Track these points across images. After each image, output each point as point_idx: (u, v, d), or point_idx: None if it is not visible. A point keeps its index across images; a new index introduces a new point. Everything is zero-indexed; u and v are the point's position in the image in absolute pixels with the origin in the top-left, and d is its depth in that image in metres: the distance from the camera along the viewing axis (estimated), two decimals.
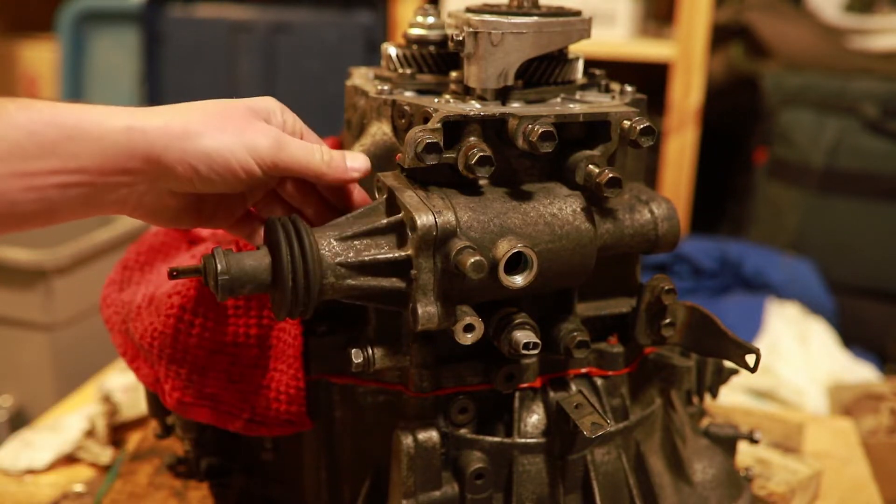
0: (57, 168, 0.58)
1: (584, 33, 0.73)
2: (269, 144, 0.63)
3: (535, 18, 0.70)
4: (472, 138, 0.67)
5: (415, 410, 0.71)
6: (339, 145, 0.86)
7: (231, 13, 2.34)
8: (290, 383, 0.73)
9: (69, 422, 1.05)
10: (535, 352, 0.67)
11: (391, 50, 0.79)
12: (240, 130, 0.63)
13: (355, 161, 0.68)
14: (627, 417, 0.76)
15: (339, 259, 0.63)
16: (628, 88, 0.79)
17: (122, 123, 0.59)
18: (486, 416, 0.73)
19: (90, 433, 1.03)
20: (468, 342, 0.65)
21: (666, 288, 0.74)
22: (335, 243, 0.64)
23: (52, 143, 0.57)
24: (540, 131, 0.65)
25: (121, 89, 2.50)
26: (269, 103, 0.67)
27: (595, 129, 0.71)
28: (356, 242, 0.65)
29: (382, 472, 0.75)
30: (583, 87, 0.79)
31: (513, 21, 0.69)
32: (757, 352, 0.69)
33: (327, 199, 0.73)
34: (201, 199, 0.68)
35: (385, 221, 0.65)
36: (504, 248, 0.64)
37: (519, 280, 0.65)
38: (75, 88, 2.52)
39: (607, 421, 0.71)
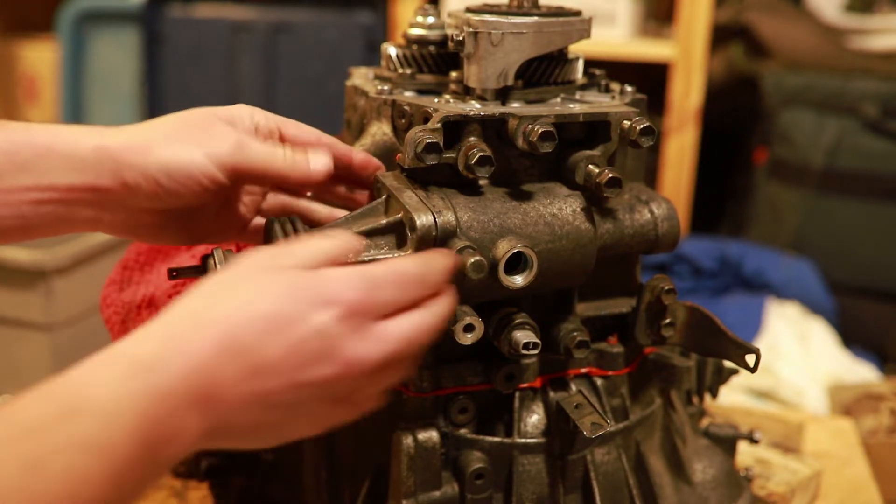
0: (30, 185, 0.60)
1: (584, 33, 0.73)
2: (228, 149, 0.62)
3: (535, 18, 0.70)
4: (472, 138, 0.67)
5: (415, 410, 0.71)
6: None
7: (231, 13, 2.34)
8: None
9: None
10: (535, 352, 0.67)
11: (391, 50, 0.79)
12: (199, 138, 0.62)
13: (317, 162, 0.66)
14: (627, 417, 0.76)
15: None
16: (628, 88, 0.79)
17: (92, 143, 0.61)
18: (486, 416, 0.73)
19: None
20: (468, 342, 0.64)
21: (666, 288, 0.74)
22: None
23: (25, 161, 0.60)
24: (540, 131, 0.65)
25: (121, 89, 2.50)
26: (236, 109, 0.67)
27: (595, 129, 0.71)
28: None
29: (382, 473, 0.75)
30: (583, 87, 0.79)
31: (513, 21, 0.69)
32: (757, 352, 0.69)
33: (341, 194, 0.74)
34: (184, 215, 0.67)
35: (384, 221, 0.65)
36: (504, 248, 0.64)
37: (519, 280, 0.65)
38: (75, 88, 2.52)
39: (607, 421, 0.71)
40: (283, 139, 0.68)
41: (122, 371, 0.47)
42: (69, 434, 0.44)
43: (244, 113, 0.66)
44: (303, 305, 0.51)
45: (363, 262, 0.64)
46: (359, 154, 0.71)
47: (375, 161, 0.72)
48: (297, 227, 0.63)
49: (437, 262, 0.58)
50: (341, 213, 0.73)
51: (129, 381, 0.46)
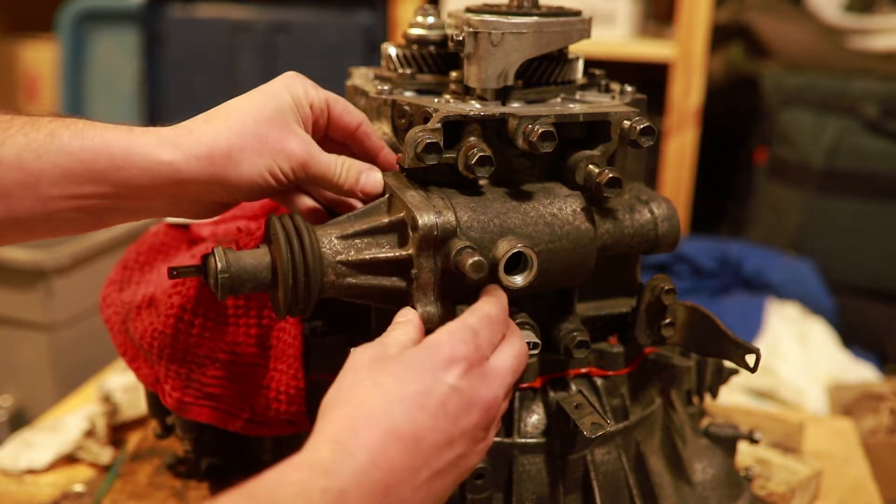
0: (107, 193, 0.62)
1: (584, 33, 0.73)
2: (298, 163, 0.66)
3: (535, 18, 0.70)
4: (472, 138, 0.67)
5: None
6: None
7: (231, 13, 2.34)
8: (289, 383, 0.73)
9: (69, 422, 1.05)
10: (535, 352, 0.67)
11: (391, 50, 0.79)
12: (276, 148, 0.65)
13: (368, 181, 0.68)
14: (627, 417, 0.76)
15: (339, 257, 0.63)
16: (628, 88, 0.79)
17: (168, 157, 0.62)
18: None
19: (90, 433, 1.03)
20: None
21: (666, 288, 0.74)
22: (336, 241, 0.64)
23: (104, 172, 0.61)
24: (540, 131, 0.65)
25: (121, 89, 2.50)
26: (294, 91, 0.67)
27: (595, 129, 0.71)
28: (357, 241, 0.65)
29: None
30: (583, 87, 0.79)
31: (513, 21, 0.69)
32: (757, 352, 0.69)
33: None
34: None
35: (386, 220, 0.65)
36: (504, 248, 0.64)
37: (519, 280, 0.65)
38: (75, 88, 2.52)
39: (607, 421, 0.71)
40: (330, 116, 0.70)
41: (306, 475, 0.51)
42: None
43: (301, 97, 0.67)
44: (431, 375, 0.56)
45: (365, 259, 0.64)
46: (389, 154, 0.72)
47: (394, 161, 0.73)
48: (298, 224, 0.63)
49: (504, 297, 0.65)
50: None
51: (313, 482, 0.51)
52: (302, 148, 0.66)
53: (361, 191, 0.68)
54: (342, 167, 0.67)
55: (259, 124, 0.65)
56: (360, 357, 0.58)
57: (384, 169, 0.71)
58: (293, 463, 0.53)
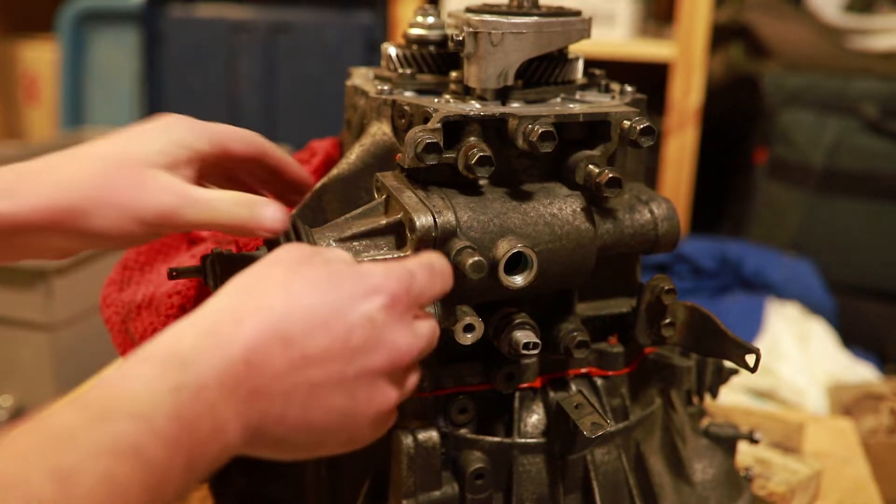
0: None
1: (584, 33, 0.73)
2: (161, 208, 0.58)
3: (535, 18, 0.70)
4: (472, 138, 0.67)
5: (415, 410, 0.71)
6: (340, 145, 0.86)
7: (231, 13, 2.34)
8: None
9: None
10: (535, 352, 0.67)
11: (391, 50, 0.79)
12: (131, 199, 0.58)
13: (266, 215, 0.60)
14: (627, 417, 0.76)
15: None
16: (628, 88, 0.79)
17: (1, 210, 0.56)
18: (486, 416, 0.73)
19: None
20: (468, 342, 0.64)
21: (666, 288, 0.74)
22: (334, 244, 0.64)
23: None
24: (540, 131, 0.65)
25: (121, 89, 2.50)
26: (168, 135, 0.61)
27: (595, 129, 0.71)
28: (355, 244, 0.65)
29: (382, 472, 0.75)
30: (583, 87, 0.79)
31: (513, 21, 0.69)
32: (757, 352, 0.69)
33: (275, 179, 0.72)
34: None
35: (384, 222, 0.65)
36: (504, 248, 0.64)
37: (519, 280, 0.65)
38: (75, 88, 2.52)
39: (607, 421, 0.71)
40: (227, 152, 0.65)
41: (156, 368, 0.44)
42: (101, 439, 0.41)
43: (174, 138, 0.61)
44: (349, 295, 0.51)
45: (363, 261, 0.64)
46: (295, 166, 0.69)
47: (309, 178, 0.70)
48: (297, 227, 0.63)
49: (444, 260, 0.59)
50: None
51: (162, 378, 0.44)
52: (165, 196, 0.58)
53: (259, 227, 0.60)
54: (228, 206, 0.59)
55: (111, 172, 0.58)
56: (287, 253, 0.53)
57: (297, 185, 0.69)
58: (144, 354, 0.46)
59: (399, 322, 0.53)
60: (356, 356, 0.50)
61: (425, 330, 0.55)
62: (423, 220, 0.62)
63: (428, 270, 0.56)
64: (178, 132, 0.62)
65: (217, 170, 0.67)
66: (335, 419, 0.51)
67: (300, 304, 0.49)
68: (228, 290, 0.51)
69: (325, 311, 0.49)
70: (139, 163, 0.58)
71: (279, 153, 0.69)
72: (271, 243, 0.64)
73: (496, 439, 0.72)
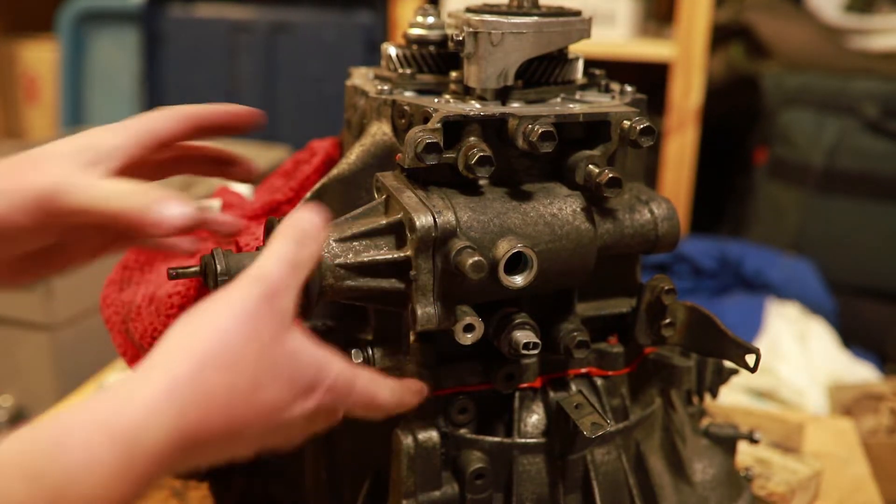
0: None
1: (584, 33, 0.73)
2: (39, 192, 0.57)
3: (535, 18, 0.70)
4: (472, 138, 0.67)
5: (415, 410, 0.71)
6: (340, 145, 0.86)
7: (231, 13, 2.34)
8: None
9: None
10: (535, 352, 0.67)
11: (391, 50, 0.79)
12: (17, 184, 0.57)
13: (169, 212, 0.57)
14: (627, 417, 0.76)
15: (338, 260, 0.63)
16: (628, 88, 0.79)
17: None
18: (486, 416, 0.73)
19: None
20: (468, 342, 0.64)
21: (666, 288, 0.74)
22: (334, 244, 0.64)
23: None
24: (540, 131, 0.65)
25: (121, 89, 2.50)
26: (82, 140, 0.60)
27: (595, 129, 0.71)
28: (355, 243, 0.65)
29: (382, 472, 0.75)
30: (583, 87, 0.79)
31: (513, 21, 0.69)
32: (757, 352, 0.69)
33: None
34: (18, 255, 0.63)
35: (384, 222, 0.65)
36: (504, 248, 0.64)
37: (519, 280, 0.65)
38: (75, 88, 2.52)
39: (607, 421, 0.71)
40: (158, 142, 0.63)
41: (119, 459, 0.44)
42: None
43: (89, 142, 0.60)
44: (295, 394, 0.53)
45: (363, 261, 0.64)
46: (227, 107, 0.67)
47: (247, 112, 0.68)
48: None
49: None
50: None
51: (127, 472, 0.45)
52: (47, 179, 0.56)
53: (154, 223, 0.56)
54: (119, 193, 0.56)
55: (17, 162, 0.58)
56: (263, 326, 0.51)
57: (237, 122, 0.67)
58: (88, 406, 0.46)
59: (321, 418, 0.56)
60: (275, 438, 0.54)
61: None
62: (423, 219, 0.62)
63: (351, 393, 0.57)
64: (91, 136, 0.61)
65: (155, 164, 0.66)
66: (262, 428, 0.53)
67: (259, 401, 0.51)
68: (205, 360, 0.49)
69: (273, 409, 0.52)
70: (46, 155, 0.58)
71: (210, 108, 0.66)
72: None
73: (496, 439, 0.72)
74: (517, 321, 0.68)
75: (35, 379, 1.72)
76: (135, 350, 0.80)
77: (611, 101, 0.75)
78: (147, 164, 0.66)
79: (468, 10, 0.73)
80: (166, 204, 0.56)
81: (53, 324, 1.67)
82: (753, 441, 0.88)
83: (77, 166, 0.58)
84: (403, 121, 0.71)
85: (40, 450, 0.43)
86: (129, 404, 0.46)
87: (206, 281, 0.64)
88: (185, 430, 0.47)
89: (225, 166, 0.73)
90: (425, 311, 0.64)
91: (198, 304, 0.52)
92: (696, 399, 0.89)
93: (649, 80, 2.00)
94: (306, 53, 2.29)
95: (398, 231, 0.65)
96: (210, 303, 0.52)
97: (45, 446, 0.43)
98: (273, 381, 0.51)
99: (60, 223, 0.59)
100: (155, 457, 0.46)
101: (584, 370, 0.76)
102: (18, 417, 1.71)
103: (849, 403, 1.47)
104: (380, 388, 0.60)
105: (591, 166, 0.69)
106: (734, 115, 2.24)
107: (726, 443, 0.85)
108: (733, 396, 1.44)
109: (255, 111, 0.68)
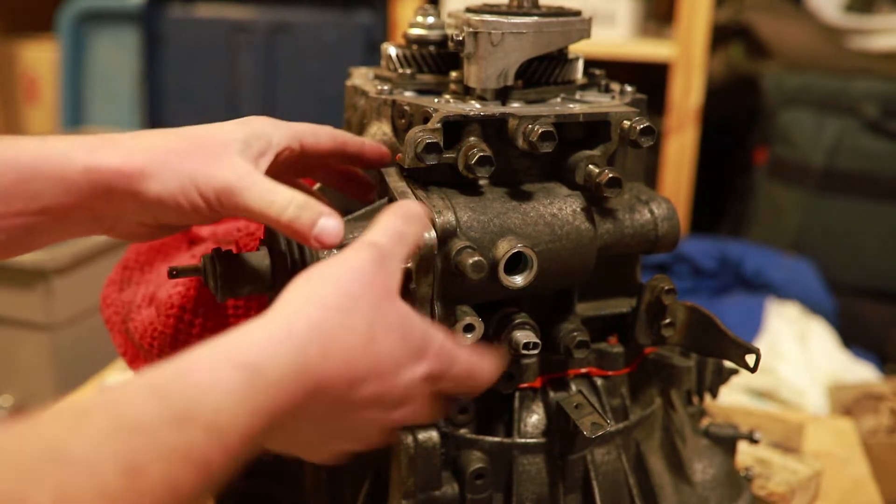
0: (20, 209, 0.57)
1: (584, 33, 0.73)
2: (222, 184, 0.58)
3: (535, 18, 0.70)
4: (472, 138, 0.67)
5: None
6: None
7: (231, 13, 2.34)
8: None
9: None
10: (535, 352, 0.67)
11: (391, 50, 0.79)
12: (196, 169, 0.58)
13: (325, 230, 0.58)
14: (627, 417, 0.76)
15: None
16: (628, 88, 0.79)
17: (82, 163, 0.57)
18: (486, 416, 0.73)
19: None
20: (468, 342, 0.65)
21: (666, 288, 0.74)
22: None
23: (13, 185, 0.57)
24: (540, 131, 0.65)
25: (121, 89, 2.50)
26: (252, 128, 0.63)
27: (595, 129, 0.71)
28: None
29: (382, 472, 0.75)
30: (583, 87, 0.79)
31: (513, 21, 0.69)
32: (757, 352, 0.69)
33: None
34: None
35: None
36: (504, 248, 0.64)
37: (519, 280, 0.65)
38: (75, 88, 2.52)
39: (607, 421, 0.71)
40: (303, 149, 0.66)
41: (242, 385, 0.45)
42: (177, 443, 0.42)
43: (256, 131, 0.63)
44: (410, 354, 0.54)
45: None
46: (371, 145, 0.71)
47: (385, 150, 0.71)
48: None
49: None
50: None
51: (245, 400, 0.45)
52: (230, 174, 0.59)
53: (316, 238, 0.58)
54: (290, 205, 0.58)
55: (190, 144, 0.59)
56: (375, 277, 0.53)
57: (373, 160, 0.70)
58: (234, 359, 0.46)
59: (428, 393, 0.57)
60: (388, 410, 0.54)
61: (438, 407, 0.59)
62: None
63: (467, 368, 0.58)
64: (259, 125, 0.63)
65: (295, 167, 0.68)
66: (343, 443, 0.56)
67: (374, 352, 0.52)
68: (324, 302, 0.51)
69: (388, 365, 0.52)
70: (219, 143, 0.60)
71: (357, 142, 0.70)
72: (270, 244, 0.64)
73: (496, 439, 0.72)
74: (517, 321, 0.68)
75: (35, 379, 1.72)
76: (135, 350, 0.80)
77: (611, 101, 0.75)
78: (292, 164, 0.68)
79: (468, 10, 0.73)
80: (328, 220, 0.59)
81: (53, 324, 1.67)
82: (753, 441, 0.88)
83: (249, 159, 0.60)
84: (403, 121, 0.71)
85: (168, 373, 0.44)
86: (251, 338, 0.47)
87: (207, 281, 0.64)
88: (306, 368, 0.48)
89: (349, 182, 0.75)
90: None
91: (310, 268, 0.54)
92: (696, 399, 0.89)
93: (649, 80, 2.00)
94: (306, 53, 2.29)
95: None
96: (325, 263, 0.54)
97: (172, 370, 0.44)
98: (387, 333, 0.52)
99: (222, 214, 0.61)
100: (278, 390, 0.46)
101: (584, 370, 0.76)
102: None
103: (849, 403, 1.47)
104: (482, 359, 0.60)
105: (591, 166, 0.69)
106: (734, 115, 2.24)
107: (726, 443, 0.85)
108: (733, 396, 1.43)
109: (382, 150, 0.71)
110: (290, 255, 0.62)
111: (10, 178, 0.57)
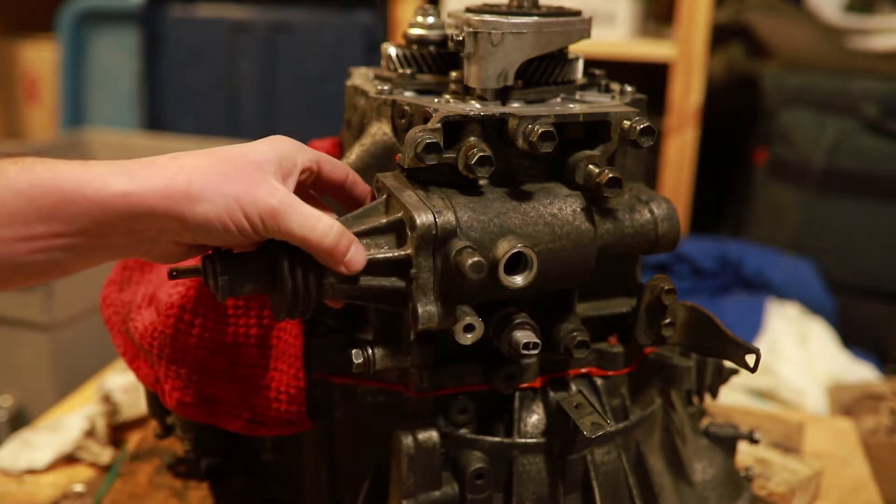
0: (59, 231, 0.58)
1: (584, 33, 0.73)
2: (268, 207, 0.61)
3: (535, 18, 0.70)
4: (472, 138, 0.67)
5: (415, 410, 0.71)
6: (339, 145, 0.86)
7: (231, 13, 2.34)
8: (290, 383, 0.73)
9: (69, 422, 1.05)
10: (535, 352, 0.67)
11: (391, 50, 0.79)
12: (241, 192, 0.60)
13: (355, 257, 0.63)
14: (627, 417, 0.76)
15: None
16: (628, 88, 0.79)
17: (121, 189, 0.58)
18: (486, 416, 0.73)
19: (90, 433, 1.03)
20: (468, 342, 0.65)
21: (666, 288, 0.74)
22: None
23: (53, 208, 0.57)
24: (540, 131, 0.65)
25: (121, 89, 2.50)
26: (281, 148, 0.64)
27: (595, 129, 0.71)
28: None
29: (382, 472, 0.75)
30: (583, 87, 0.79)
31: (513, 21, 0.69)
32: (757, 352, 0.69)
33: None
34: None
35: (385, 221, 0.65)
36: (504, 248, 0.64)
37: (519, 280, 0.65)
38: (75, 88, 2.52)
39: (607, 421, 0.71)
40: (320, 174, 0.68)
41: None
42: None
43: (287, 151, 0.65)
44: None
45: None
46: (364, 197, 0.72)
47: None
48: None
49: None
50: None
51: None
52: (272, 198, 0.61)
53: (346, 264, 0.62)
54: (331, 232, 0.62)
55: (229, 167, 0.61)
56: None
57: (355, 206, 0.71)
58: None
59: None
60: None
61: None
62: (423, 217, 0.62)
63: None
64: (287, 147, 0.65)
65: (304, 188, 0.69)
66: None
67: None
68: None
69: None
70: (256, 165, 0.62)
71: (364, 191, 0.72)
72: (270, 243, 0.64)
73: (496, 439, 0.72)
74: (517, 321, 0.68)
75: (35, 379, 1.71)
76: (135, 350, 0.80)
77: (611, 101, 0.75)
78: (307, 187, 0.70)
79: (468, 10, 0.73)
80: (358, 248, 0.63)
81: (53, 324, 1.67)
82: (753, 441, 0.88)
83: (280, 180, 0.63)
84: (403, 121, 0.71)
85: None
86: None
87: (207, 281, 0.64)
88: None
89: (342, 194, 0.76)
90: (426, 309, 0.64)
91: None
92: (696, 399, 0.89)
93: (649, 80, 2.00)
94: (306, 53, 2.29)
95: (398, 230, 0.65)
96: None
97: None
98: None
99: (264, 237, 0.62)
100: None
101: (584, 370, 0.76)
102: (18, 417, 1.71)
103: (849, 403, 1.47)
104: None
105: (591, 166, 0.69)
106: (734, 115, 2.24)
107: (726, 443, 0.85)
108: (733, 396, 1.43)
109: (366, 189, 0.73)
110: (289, 254, 0.62)
111: (51, 200, 0.57)
